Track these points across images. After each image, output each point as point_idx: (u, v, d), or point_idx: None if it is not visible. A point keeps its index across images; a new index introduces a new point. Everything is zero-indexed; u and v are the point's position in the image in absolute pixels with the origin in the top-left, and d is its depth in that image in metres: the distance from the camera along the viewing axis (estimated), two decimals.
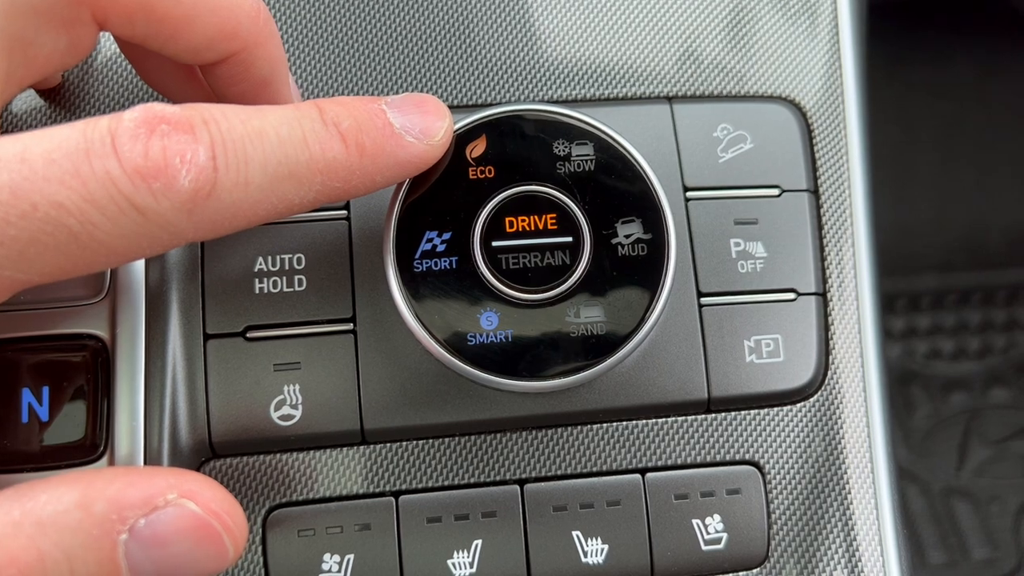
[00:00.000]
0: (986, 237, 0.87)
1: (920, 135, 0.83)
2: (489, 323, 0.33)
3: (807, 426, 0.37)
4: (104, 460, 0.33)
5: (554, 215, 0.34)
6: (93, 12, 0.28)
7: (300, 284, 0.35)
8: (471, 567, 0.34)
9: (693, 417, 0.36)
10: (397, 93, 0.38)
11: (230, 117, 0.27)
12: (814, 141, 0.39)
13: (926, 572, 0.75)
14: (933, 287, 0.87)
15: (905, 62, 0.79)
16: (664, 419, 0.36)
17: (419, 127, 0.31)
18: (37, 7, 0.27)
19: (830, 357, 0.37)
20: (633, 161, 0.34)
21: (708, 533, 0.35)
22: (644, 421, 0.36)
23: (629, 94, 0.39)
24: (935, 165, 0.85)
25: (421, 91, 0.38)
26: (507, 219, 0.33)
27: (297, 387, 0.34)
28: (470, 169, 0.34)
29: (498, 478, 0.35)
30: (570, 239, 0.33)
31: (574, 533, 0.35)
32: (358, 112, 0.30)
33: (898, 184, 0.82)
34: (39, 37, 0.28)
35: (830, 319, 0.37)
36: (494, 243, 0.33)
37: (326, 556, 0.34)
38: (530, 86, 0.38)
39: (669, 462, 0.36)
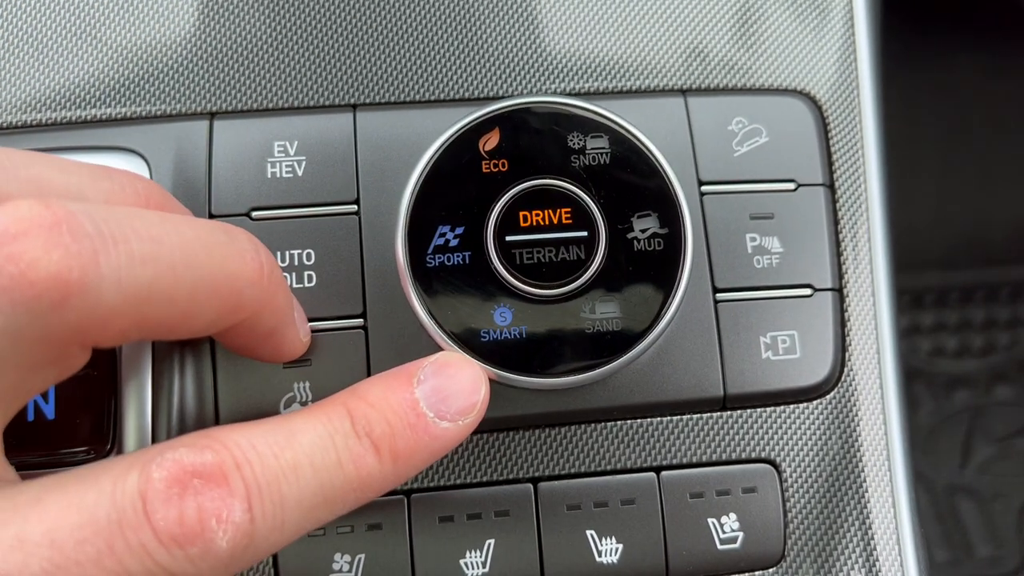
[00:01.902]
0: (990, 234, 0.87)
1: (923, 132, 0.83)
2: (503, 319, 0.32)
3: (824, 424, 0.36)
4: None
5: (569, 209, 0.33)
6: (82, 344, 0.25)
7: (310, 280, 0.34)
8: (483, 567, 0.34)
9: (708, 415, 0.36)
10: (408, 89, 0.37)
11: (262, 451, 0.25)
12: (829, 135, 0.39)
13: (930, 570, 0.74)
14: (936, 284, 0.87)
15: (909, 60, 0.78)
16: (679, 417, 0.35)
17: (455, 408, 0.29)
18: (22, 363, 0.24)
19: (846, 354, 0.37)
20: (649, 154, 0.34)
21: (724, 532, 0.35)
22: (659, 419, 0.35)
23: (642, 87, 0.38)
24: (938, 162, 0.85)
25: (435, 83, 0.37)
26: (521, 213, 0.33)
27: (307, 384, 0.34)
28: (483, 163, 0.33)
29: (511, 476, 0.35)
30: (585, 233, 0.33)
31: (588, 532, 0.34)
32: (390, 411, 0.28)
33: (901, 181, 0.82)
34: (26, 383, 0.25)
35: (846, 315, 0.37)
36: (508, 237, 0.33)
37: (337, 556, 0.33)
38: (543, 79, 0.38)
39: (684, 460, 0.35)
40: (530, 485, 0.35)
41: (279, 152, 0.35)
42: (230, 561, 0.24)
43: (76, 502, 0.23)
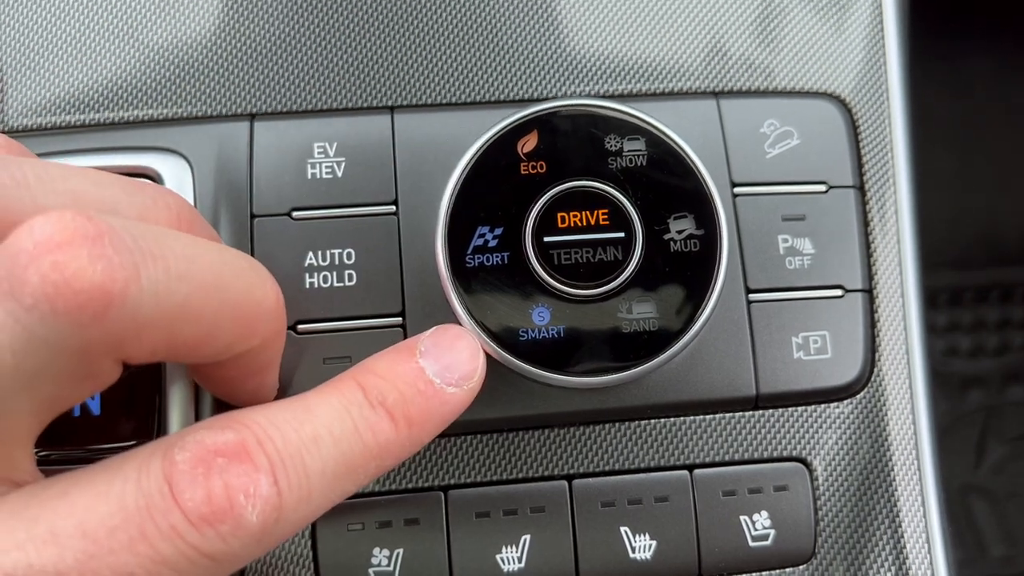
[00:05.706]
0: (1004, 234, 0.87)
1: (940, 133, 0.83)
2: (541, 318, 0.33)
3: (854, 423, 0.37)
4: None
5: (606, 210, 0.33)
6: (116, 358, 0.25)
7: (350, 279, 0.35)
8: (519, 562, 0.34)
9: (741, 414, 0.36)
10: (445, 91, 0.38)
11: (282, 427, 0.26)
12: (859, 137, 0.39)
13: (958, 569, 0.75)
14: (951, 284, 0.87)
15: (926, 61, 0.78)
16: (712, 415, 0.36)
17: (458, 374, 0.30)
18: (60, 374, 0.24)
19: (877, 354, 0.37)
20: (685, 156, 0.34)
21: (755, 529, 0.35)
22: (692, 418, 0.36)
23: (675, 89, 0.38)
24: (954, 162, 0.85)
25: (471, 85, 0.38)
26: (559, 214, 0.33)
27: None
28: (522, 164, 0.34)
29: (546, 473, 0.35)
30: (622, 235, 0.33)
31: (622, 529, 0.35)
32: (399, 380, 0.29)
33: (915, 181, 0.82)
34: (61, 395, 0.25)
35: (876, 315, 0.37)
36: (546, 238, 0.33)
37: (375, 550, 0.34)
38: (579, 81, 0.38)
39: (717, 458, 0.36)
40: (565, 482, 0.35)
41: (319, 153, 0.36)
42: (261, 536, 0.25)
43: (103, 491, 0.24)
